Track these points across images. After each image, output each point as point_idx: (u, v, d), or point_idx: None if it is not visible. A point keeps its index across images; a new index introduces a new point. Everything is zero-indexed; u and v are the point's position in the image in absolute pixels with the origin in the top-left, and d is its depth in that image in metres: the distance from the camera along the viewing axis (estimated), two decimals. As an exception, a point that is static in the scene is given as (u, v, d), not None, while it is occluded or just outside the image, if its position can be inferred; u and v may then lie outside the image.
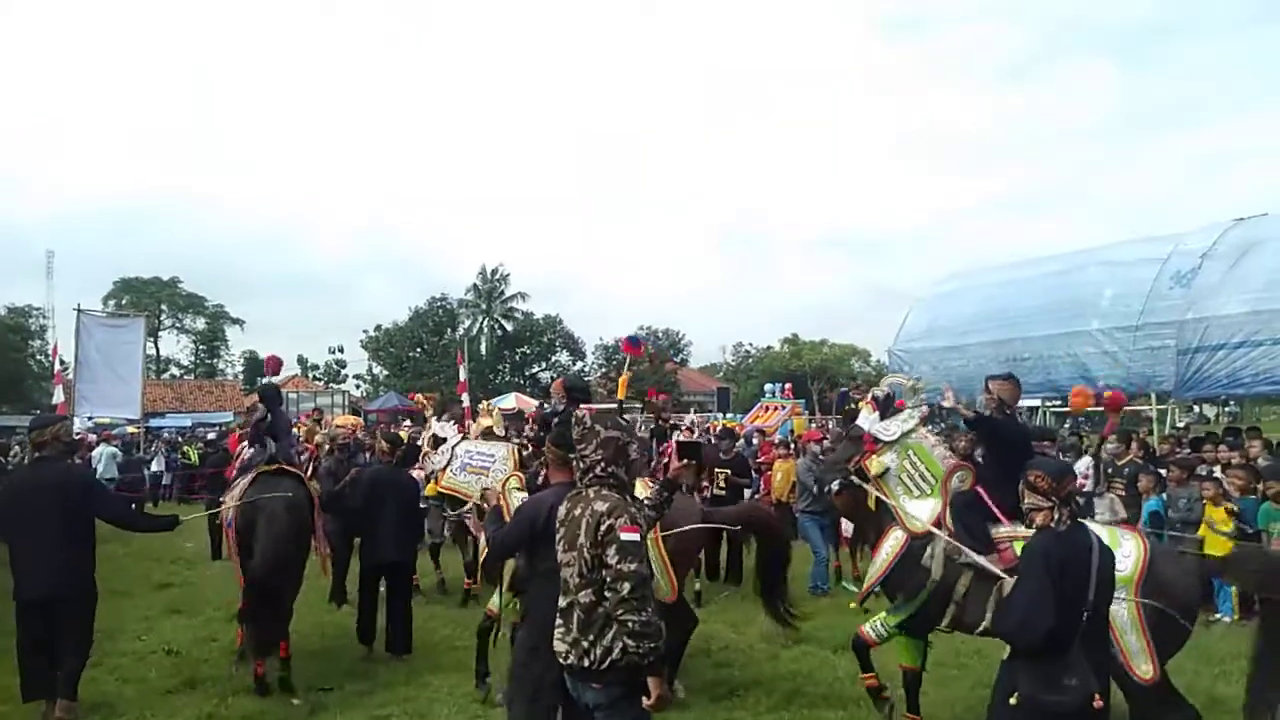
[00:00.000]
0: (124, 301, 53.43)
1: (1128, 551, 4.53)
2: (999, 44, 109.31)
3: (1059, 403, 17.41)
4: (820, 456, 9.68)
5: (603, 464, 3.51)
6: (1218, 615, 7.65)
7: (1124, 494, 9.59)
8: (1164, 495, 8.98)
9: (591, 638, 3.35)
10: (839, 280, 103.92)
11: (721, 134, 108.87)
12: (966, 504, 5.09)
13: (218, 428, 29.83)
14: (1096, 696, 3.27)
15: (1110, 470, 10.28)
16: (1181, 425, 17.60)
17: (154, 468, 20.96)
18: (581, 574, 3.39)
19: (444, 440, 7.98)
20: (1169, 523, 8.63)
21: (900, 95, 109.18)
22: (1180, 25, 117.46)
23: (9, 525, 5.89)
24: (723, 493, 9.82)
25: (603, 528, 3.33)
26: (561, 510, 3.60)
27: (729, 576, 9.62)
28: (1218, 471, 9.15)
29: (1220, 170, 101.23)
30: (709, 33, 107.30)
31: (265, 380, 8.39)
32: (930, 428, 5.57)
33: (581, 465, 3.59)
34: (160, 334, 58.47)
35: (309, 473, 11.66)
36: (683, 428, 10.53)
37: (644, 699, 3.31)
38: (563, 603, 3.53)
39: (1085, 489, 7.03)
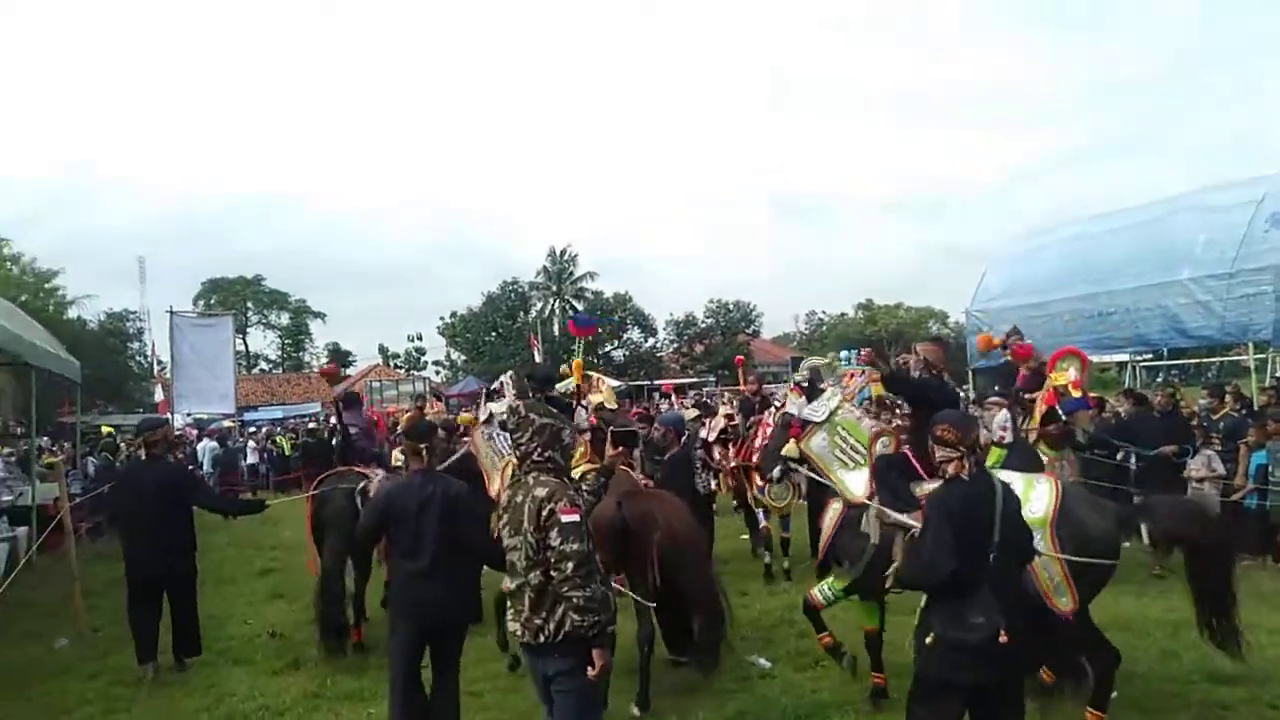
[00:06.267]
0: (212, 301, 55.61)
1: (1040, 494, 4.78)
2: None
3: (1150, 357, 16.72)
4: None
5: (539, 450, 3.70)
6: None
7: (1220, 449, 9.22)
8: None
9: (544, 614, 3.53)
10: (909, 243, 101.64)
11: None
12: (888, 465, 5.27)
13: (308, 418, 30.92)
14: (1002, 632, 3.44)
15: (1206, 425, 9.89)
16: (1283, 375, 16.74)
17: (249, 459, 21.93)
18: (529, 557, 3.57)
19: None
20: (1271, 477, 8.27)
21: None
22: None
23: (123, 514, 6.87)
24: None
25: (544, 512, 3.51)
26: (504, 497, 3.83)
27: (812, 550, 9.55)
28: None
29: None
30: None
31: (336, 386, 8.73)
32: (854, 403, 5.83)
33: (519, 452, 3.78)
34: (248, 330, 60.81)
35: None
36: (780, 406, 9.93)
37: (589, 669, 3.53)
38: (511, 585, 3.70)
39: (1005, 441, 7.03)
